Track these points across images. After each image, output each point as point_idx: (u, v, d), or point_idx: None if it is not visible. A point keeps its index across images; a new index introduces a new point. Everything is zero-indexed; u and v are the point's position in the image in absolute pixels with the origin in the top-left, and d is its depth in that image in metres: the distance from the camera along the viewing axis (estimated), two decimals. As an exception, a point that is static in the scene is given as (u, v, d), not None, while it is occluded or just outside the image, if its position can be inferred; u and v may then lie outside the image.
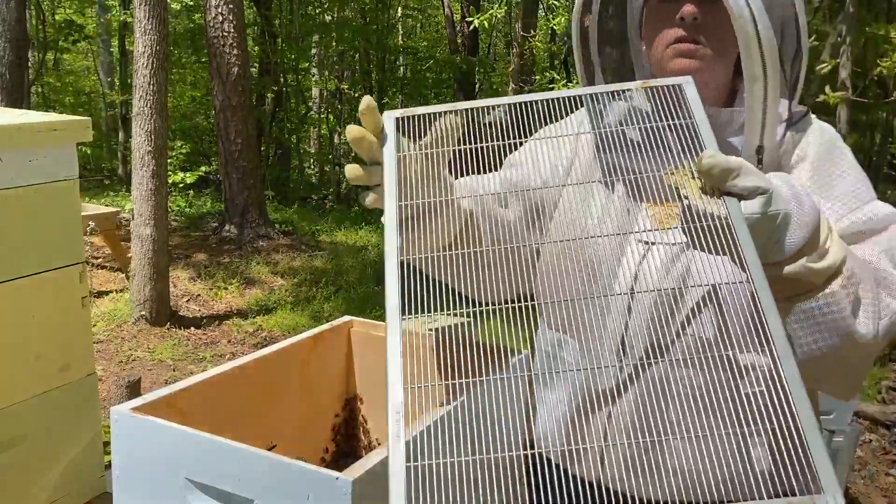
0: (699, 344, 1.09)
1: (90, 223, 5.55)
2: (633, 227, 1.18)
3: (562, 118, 1.03)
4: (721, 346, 1.07)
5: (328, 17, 13.26)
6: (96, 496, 1.56)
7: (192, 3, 11.30)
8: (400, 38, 14.91)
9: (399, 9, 14.58)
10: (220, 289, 6.46)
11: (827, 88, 4.68)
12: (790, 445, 0.73)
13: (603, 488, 1.19)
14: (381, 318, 1.61)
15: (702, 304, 1.11)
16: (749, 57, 1.06)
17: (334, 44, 13.12)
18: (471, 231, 1.13)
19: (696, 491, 1.13)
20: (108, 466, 1.34)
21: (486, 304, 1.04)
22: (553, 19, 7.35)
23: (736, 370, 1.08)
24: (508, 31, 14.87)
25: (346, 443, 1.39)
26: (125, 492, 1.00)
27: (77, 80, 14.41)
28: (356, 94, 14.37)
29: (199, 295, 6.31)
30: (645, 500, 1.16)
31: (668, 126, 0.99)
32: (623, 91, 1.09)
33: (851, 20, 4.74)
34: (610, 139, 1.12)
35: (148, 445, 0.97)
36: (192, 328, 5.50)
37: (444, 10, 13.19)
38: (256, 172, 8.37)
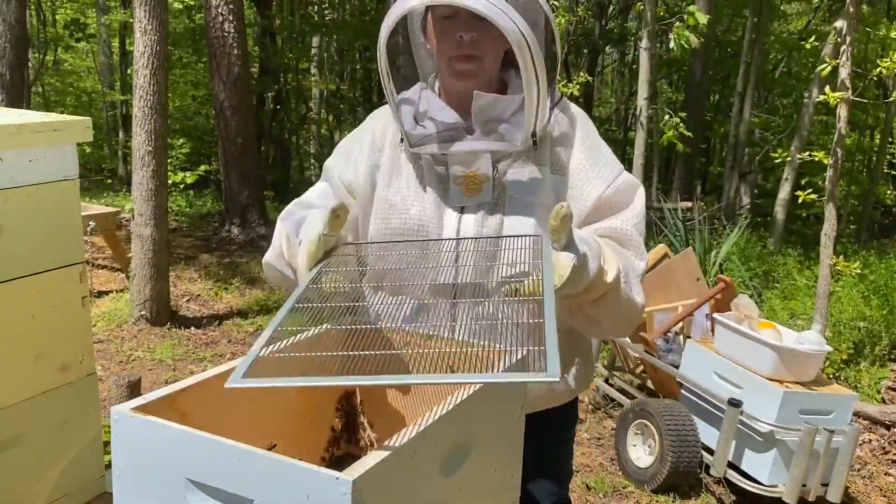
0: (510, 291, 1.34)
1: (90, 223, 5.55)
2: (446, 196, 1.50)
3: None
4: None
5: (327, 15, 13.24)
6: (96, 496, 1.57)
7: (192, 2, 11.30)
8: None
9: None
10: (221, 289, 6.47)
11: (827, 88, 4.68)
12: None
13: None
14: (381, 318, 1.62)
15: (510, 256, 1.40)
16: (527, 70, 1.36)
17: (334, 44, 13.10)
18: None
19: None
20: (108, 466, 1.34)
21: None
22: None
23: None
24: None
25: (346, 443, 1.40)
26: (125, 492, 1.00)
27: (78, 80, 14.40)
28: (356, 94, 14.37)
29: (199, 295, 6.31)
30: None
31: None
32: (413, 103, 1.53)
33: (851, 20, 4.74)
34: (414, 135, 1.48)
35: (148, 445, 0.97)
36: (192, 328, 5.50)
37: (444, 10, 13.16)
38: (257, 172, 8.38)
